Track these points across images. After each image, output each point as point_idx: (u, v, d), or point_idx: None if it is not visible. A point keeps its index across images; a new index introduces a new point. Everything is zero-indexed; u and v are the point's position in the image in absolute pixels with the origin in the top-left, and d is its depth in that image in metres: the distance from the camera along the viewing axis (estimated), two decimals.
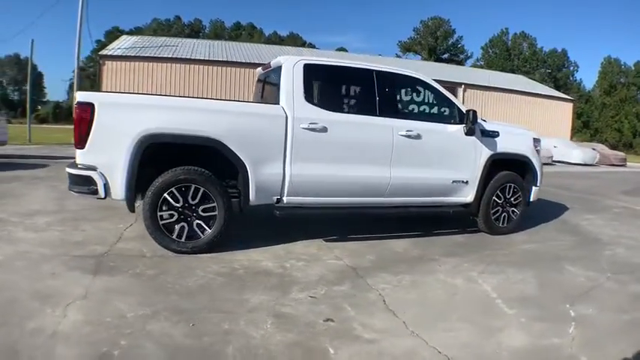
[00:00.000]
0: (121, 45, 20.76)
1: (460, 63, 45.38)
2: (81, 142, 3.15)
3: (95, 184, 3.19)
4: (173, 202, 3.35)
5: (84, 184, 3.21)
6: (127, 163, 3.17)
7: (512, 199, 4.71)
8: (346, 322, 2.41)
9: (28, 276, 2.80)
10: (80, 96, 3.18)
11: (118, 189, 3.22)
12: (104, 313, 2.35)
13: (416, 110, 4.90)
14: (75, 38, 15.51)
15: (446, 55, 49.33)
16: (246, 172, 3.47)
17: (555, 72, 48.64)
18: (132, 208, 3.36)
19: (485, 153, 4.42)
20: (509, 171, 4.68)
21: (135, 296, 2.61)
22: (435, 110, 4.70)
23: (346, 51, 39.44)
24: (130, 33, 38.78)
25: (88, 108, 3.12)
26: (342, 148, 3.77)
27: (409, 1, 75.36)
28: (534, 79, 33.70)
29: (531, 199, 4.89)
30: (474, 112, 4.20)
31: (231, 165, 3.46)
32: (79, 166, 3.22)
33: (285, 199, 3.72)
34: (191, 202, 3.41)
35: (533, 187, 4.86)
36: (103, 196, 3.23)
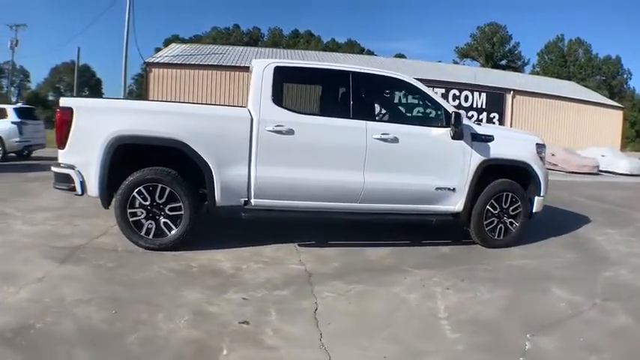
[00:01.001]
0: (169, 52, 22.23)
1: (517, 69, 44.13)
2: (62, 143, 3.51)
3: (73, 181, 3.51)
4: (141, 201, 3.58)
5: (64, 181, 3.55)
6: (100, 162, 3.47)
7: (510, 209, 4.36)
8: (261, 326, 2.42)
9: (3, 261, 3.17)
10: (62, 101, 3.55)
11: (93, 186, 3.52)
12: (47, 295, 2.64)
13: (396, 112, 4.72)
14: (123, 45, 17.01)
15: (503, 62, 48.30)
16: (211, 173, 3.61)
17: (610, 79, 46.16)
18: (105, 205, 3.64)
19: (475, 158, 4.14)
20: (506, 179, 4.34)
21: (84, 284, 2.87)
22: (418, 113, 4.50)
23: (405, 57, 39.57)
24: (190, 41, 41.56)
25: (68, 112, 3.46)
26: (310, 151, 3.77)
27: (469, 7, 73.29)
28: (589, 87, 31.32)
29: (534, 210, 4.49)
30: (458, 114, 3.97)
31: (198, 166, 3.60)
32: (61, 165, 3.57)
33: (252, 201, 3.80)
34: (158, 201, 3.61)
35: (536, 197, 4.46)
36: (80, 192, 3.54)
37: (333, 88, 4.15)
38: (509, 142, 4.40)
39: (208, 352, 2.11)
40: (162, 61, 20.15)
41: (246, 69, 19.89)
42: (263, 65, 3.81)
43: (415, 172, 4.04)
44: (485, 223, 4.31)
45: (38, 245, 3.56)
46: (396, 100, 4.74)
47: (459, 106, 18.07)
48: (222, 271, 3.31)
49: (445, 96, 17.95)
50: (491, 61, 46.81)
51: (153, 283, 2.98)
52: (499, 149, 4.25)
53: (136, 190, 3.57)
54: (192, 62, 20.31)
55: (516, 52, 49.21)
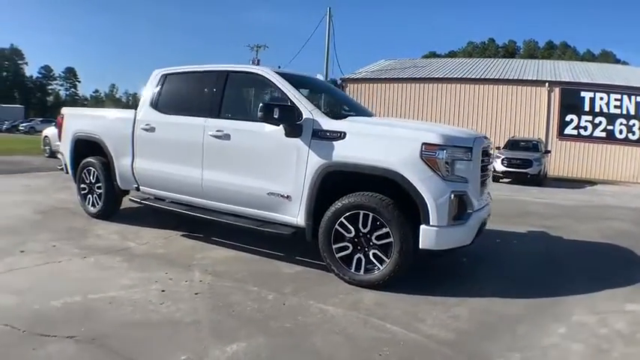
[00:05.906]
0: (370, 68, 25.56)
1: None
2: (59, 137, 6.08)
3: (61, 163, 6.01)
4: (85, 179, 5.69)
5: (60, 163, 6.11)
6: (68, 150, 5.82)
7: (373, 236, 3.66)
8: (22, 256, 4.04)
9: (10, 207, 6.10)
10: (62, 110, 6.14)
11: (68, 167, 5.89)
12: None
13: (243, 109, 4.72)
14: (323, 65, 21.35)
15: None
16: (113, 161, 5.29)
17: None
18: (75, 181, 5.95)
19: (313, 161, 3.86)
20: (371, 191, 3.68)
21: (19, 222, 5.37)
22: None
23: None
24: (444, 56, 46.01)
25: (61, 116, 6.00)
26: (163, 147, 4.87)
27: None
28: None
29: (422, 246, 3.53)
30: (284, 106, 3.87)
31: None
32: (60, 152, 6.15)
33: (141, 188, 5.17)
34: (92, 181, 5.60)
35: (423, 227, 3.50)
36: (65, 171, 6.02)
37: (201, 89, 4.86)
38: (369, 141, 3.73)
39: None
40: (357, 77, 23.48)
41: (440, 80, 21.06)
42: (155, 73, 5.15)
43: (244, 173, 4.25)
44: (335, 247, 3.81)
45: (43, 204, 6.45)
46: (247, 96, 4.83)
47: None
48: (88, 234, 5.03)
49: (620, 101, 16.78)
50: None
51: (47, 228, 5.10)
52: (347, 150, 3.74)
53: (83, 172, 5.68)
54: (385, 77, 23.00)
55: None
